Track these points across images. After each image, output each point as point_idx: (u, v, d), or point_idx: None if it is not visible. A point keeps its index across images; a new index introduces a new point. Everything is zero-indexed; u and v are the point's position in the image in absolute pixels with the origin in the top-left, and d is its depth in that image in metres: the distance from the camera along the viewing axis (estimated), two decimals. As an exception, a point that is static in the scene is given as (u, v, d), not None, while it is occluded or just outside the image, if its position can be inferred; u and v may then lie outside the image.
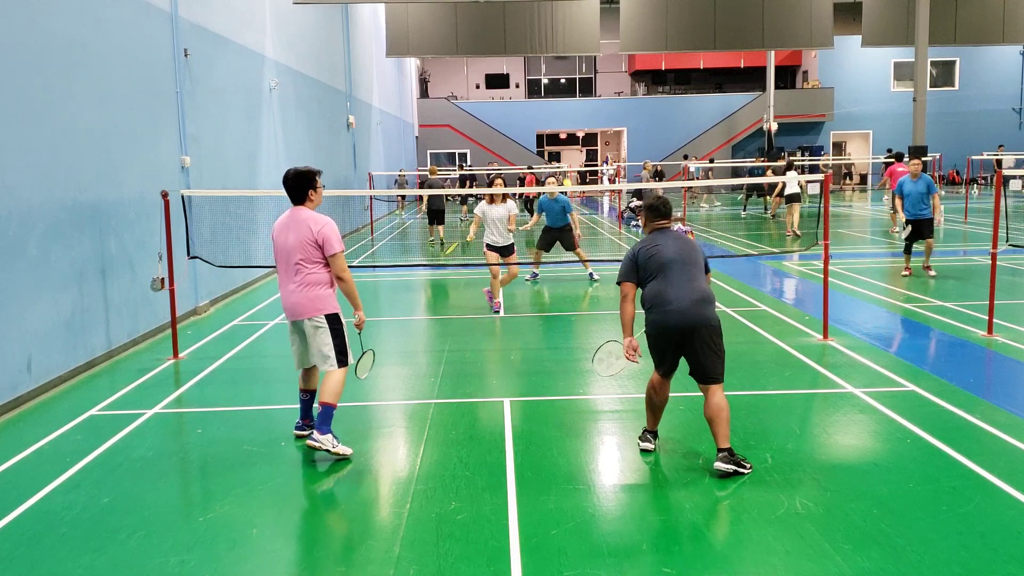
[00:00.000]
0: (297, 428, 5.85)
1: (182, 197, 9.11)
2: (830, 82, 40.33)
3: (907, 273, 12.28)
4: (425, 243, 19.10)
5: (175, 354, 8.35)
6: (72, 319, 7.64)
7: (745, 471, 4.97)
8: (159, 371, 7.85)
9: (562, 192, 12.68)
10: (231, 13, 12.57)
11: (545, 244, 12.68)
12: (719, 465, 4.94)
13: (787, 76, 42.77)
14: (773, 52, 35.28)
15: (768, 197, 26.39)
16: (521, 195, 26.83)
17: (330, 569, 4.03)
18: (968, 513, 4.42)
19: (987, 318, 8.58)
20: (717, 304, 5.42)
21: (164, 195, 8.41)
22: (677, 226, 19.02)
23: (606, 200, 31.49)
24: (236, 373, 7.81)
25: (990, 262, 8.68)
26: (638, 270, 5.30)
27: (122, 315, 8.62)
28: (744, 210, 25.64)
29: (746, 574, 3.87)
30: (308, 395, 5.77)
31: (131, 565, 4.07)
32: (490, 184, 11.72)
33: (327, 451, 5.32)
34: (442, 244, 18.25)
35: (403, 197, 32.31)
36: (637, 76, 45.18)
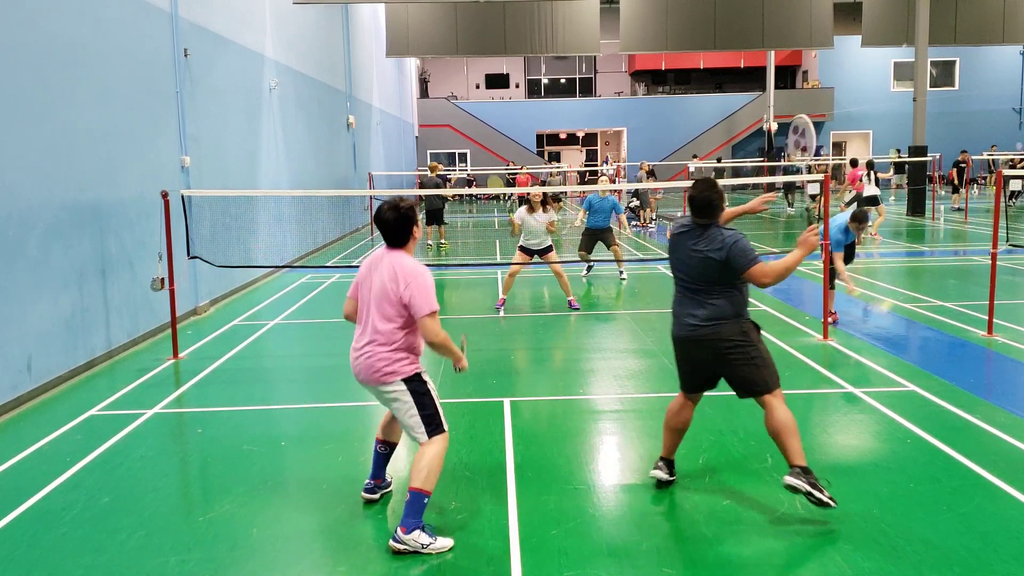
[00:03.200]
0: (366, 490, 4.74)
1: (182, 197, 9.11)
2: (830, 82, 40.32)
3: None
4: (423, 244, 19.03)
5: (175, 354, 8.35)
6: (72, 319, 7.64)
7: (821, 499, 4.25)
8: (159, 371, 7.85)
9: (610, 192, 12.60)
10: (231, 13, 12.58)
11: (588, 246, 12.43)
12: (788, 480, 4.33)
13: (787, 76, 42.76)
14: (773, 52, 35.24)
15: (790, 196, 26.28)
16: (510, 196, 26.72)
17: (330, 569, 4.03)
18: (968, 513, 4.42)
19: (987, 318, 8.58)
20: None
21: (164, 195, 8.41)
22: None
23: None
24: (236, 373, 7.81)
25: (990, 262, 8.67)
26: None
27: (122, 315, 8.62)
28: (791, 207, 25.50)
29: (746, 574, 3.87)
30: (386, 448, 4.71)
31: (131, 565, 4.07)
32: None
33: (417, 553, 4.10)
34: (439, 246, 17.92)
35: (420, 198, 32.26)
36: (637, 76, 45.18)
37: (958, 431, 5.69)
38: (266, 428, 6.20)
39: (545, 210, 10.49)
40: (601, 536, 4.28)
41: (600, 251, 12.79)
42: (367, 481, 4.77)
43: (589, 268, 13.12)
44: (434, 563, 4.02)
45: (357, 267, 14.39)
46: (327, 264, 15.78)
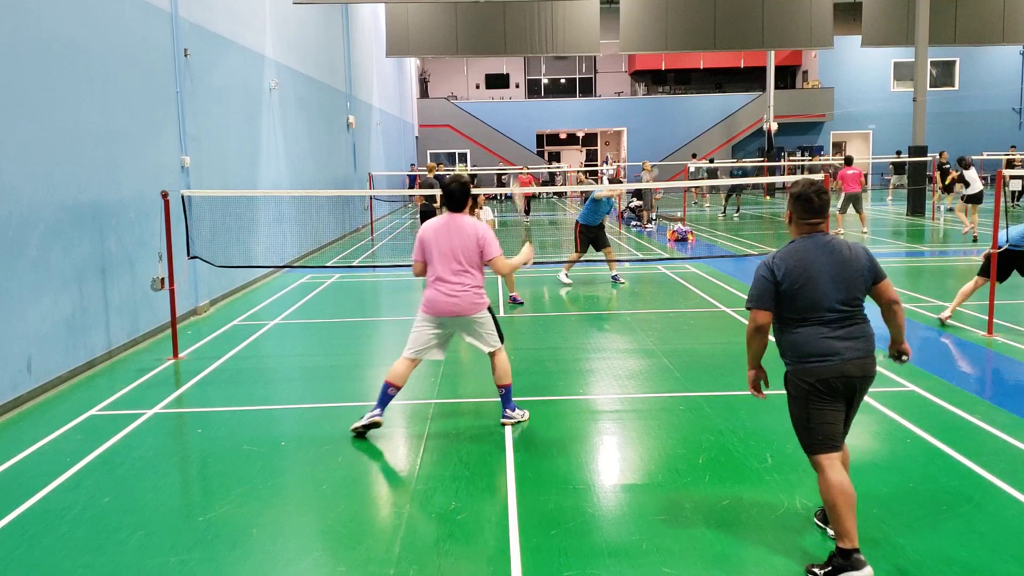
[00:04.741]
0: (374, 416, 5.83)
1: (182, 197, 9.11)
2: (830, 82, 40.32)
3: None
4: None
5: (175, 354, 8.35)
6: (72, 319, 7.64)
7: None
8: (159, 371, 7.85)
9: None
10: (231, 13, 12.58)
11: (585, 244, 12.18)
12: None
13: (787, 76, 42.77)
14: (773, 52, 35.27)
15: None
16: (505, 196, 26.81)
17: (330, 569, 4.03)
18: (968, 513, 4.42)
19: (987, 318, 8.58)
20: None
21: (164, 195, 8.42)
22: (677, 226, 19.10)
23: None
24: (236, 373, 7.81)
25: (990, 262, 8.67)
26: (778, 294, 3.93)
27: (122, 315, 8.63)
28: (737, 211, 25.38)
29: (746, 574, 3.87)
30: (395, 390, 5.90)
31: (131, 565, 4.07)
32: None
33: (518, 421, 6.03)
34: None
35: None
36: (637, 76, 45.17)
37: (958, 431, 5.69)
38: (266, 428, 6.20)
39: (472, 213, 10.19)
40: (601, 536, 4.28)
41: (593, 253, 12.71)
42: (376, 409, 5.84)
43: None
44: (434, 563, 4.02)
45: (357, 267, 14.21)
46: (327, 264, 15.77)
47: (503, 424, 5.99)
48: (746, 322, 4.24)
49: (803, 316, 3.87)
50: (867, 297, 3.98)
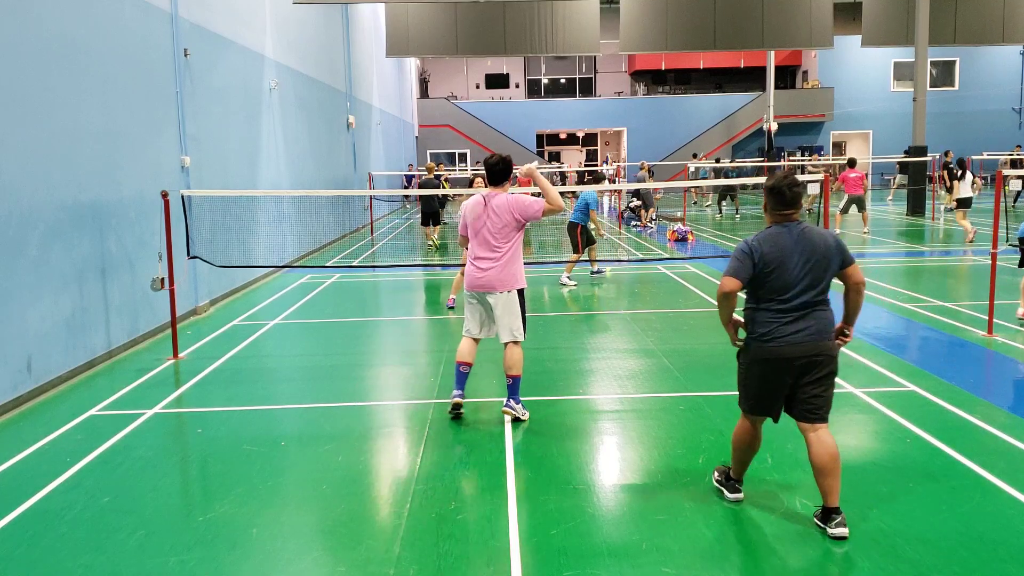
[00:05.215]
0: (456, 397, 6.15)
1: (182, 197, 9.11)
2: (830, 82, 40.32)
3: None
4: (423, 244, 18.98)
5: (175, 354, 8.35)
6: (72, 319, 7.64)
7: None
8: (159, 371, 7.85)
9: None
10: (231, 13, 12.58)
11: (585, 243, 12.58)
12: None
13: (787, 76, 42.77)
14: (773, 52, 35.26)
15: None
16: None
17: (330, 569, 4.03)
18: (968, 513, 4.42)
19: (987, 318, 8.58)
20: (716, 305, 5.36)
21: (164, 195, 8.41)
22: (677, 226, 19.14)
23: (606, 200, 31.47)
24: (236, 373, 7.81)
25: (990, 262, 8.68)
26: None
27: (122, 315, 8.63)
28: (736, 212, 25.33)
29: (746, 574, 3.87)
30: (467, 368, 6.17)
31: (131, 565, 4.07)
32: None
33: (518, 418, 6.07)
34: (436, 247, 17.53)
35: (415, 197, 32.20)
36: (637, 76, 45.18)
37: (958, 431, 5.69)
38: (266, 428, 6.20)
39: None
40: (601, 536, 4.28)
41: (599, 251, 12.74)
42: (456, 391, 6.16)
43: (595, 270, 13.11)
44: (434, 563, 4.02)
45: (357, 267, 14.24)
46: (327, 264, 15.77)
47: (504, 412, 6.09)
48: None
49: (768, 297, 4.30)
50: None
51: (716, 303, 4.48)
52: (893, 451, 5.40)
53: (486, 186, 6.18)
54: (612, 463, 5.39)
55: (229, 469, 5.33)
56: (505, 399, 6.15)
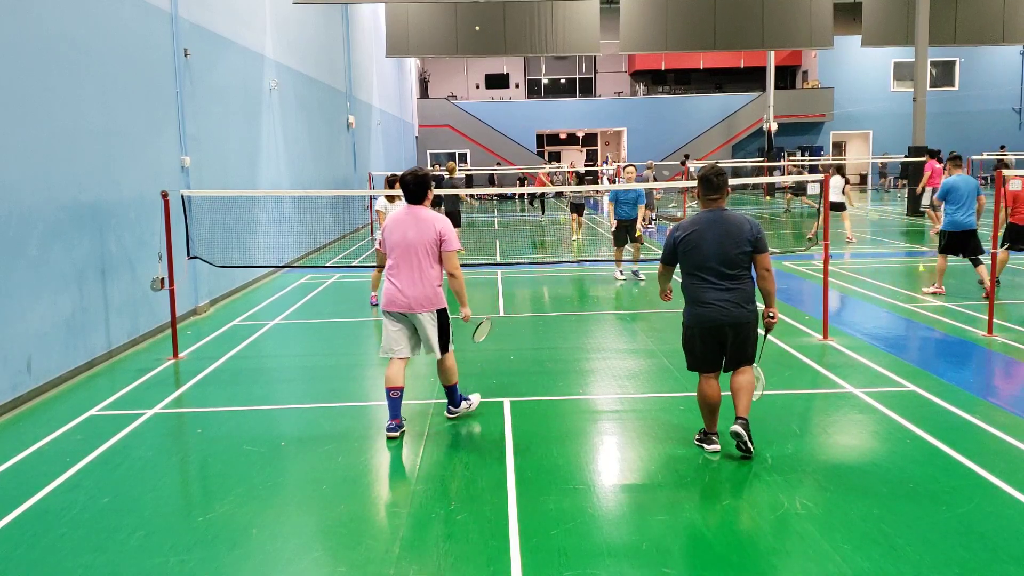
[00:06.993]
0: (390, 430, 5.81)
1: (182, 197, 9.11)
2: (830, 82, 40.32)
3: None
4: None
5: (175, 354, 8.35)
6: (72, 319, 7.64)
7: (750, 447, 5.14)
8: (159, 371, 7.85)
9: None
10: (231, 13, 12.58)
11: (621, 240, 12.49)
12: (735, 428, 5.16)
13: (787, 76, 42.77)
14: (773, 52, 35.26)
15: (793, 197, 26.11)
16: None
17: (330, 569, 4.03)
18: (968, 513, 4.42)
19: (987, 318, 8.58)
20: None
21: (164, 195, 8.42)
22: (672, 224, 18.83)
23: (606, 200, 31.43)
24: (236, 373, 7.81)
25: (990, 262, 8.67)
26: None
27: (122, 315, 8.62)
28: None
29: (746, 574, 3.87)
30: (398, 393, 5.84)
31: (131, 565, 4.07)
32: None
33: (468, 412, 6.18)
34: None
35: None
36: (637, 76, 45.17)
37: (958, 431, 5.69)
38: (266, 428, 6.20)
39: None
40: (601, 536, 4.28)
41: (592, 250, 12.75)
42: (389, 423, 5.82)
43: (624, 270, 12.92)
44: (434, 563, 4.02)
45: (357, 267, 14.31)
46: (327, 264, 15.77)
47: (449, 418, 6.12)
48: None
49: (692, 272, 5.13)
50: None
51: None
52: (893, 451, 5.40)
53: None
54: (612, 463, 5.39)
55: (229, 469, 5.33)
56: (446, 408, 6.16)
